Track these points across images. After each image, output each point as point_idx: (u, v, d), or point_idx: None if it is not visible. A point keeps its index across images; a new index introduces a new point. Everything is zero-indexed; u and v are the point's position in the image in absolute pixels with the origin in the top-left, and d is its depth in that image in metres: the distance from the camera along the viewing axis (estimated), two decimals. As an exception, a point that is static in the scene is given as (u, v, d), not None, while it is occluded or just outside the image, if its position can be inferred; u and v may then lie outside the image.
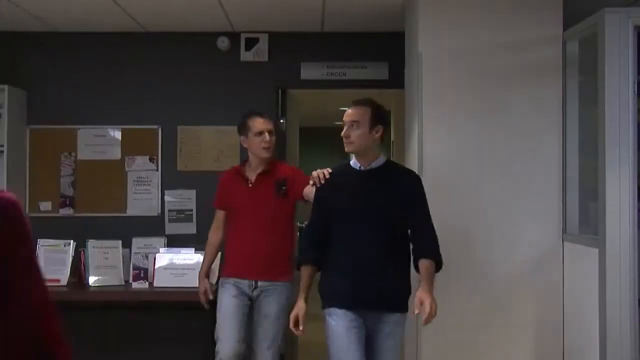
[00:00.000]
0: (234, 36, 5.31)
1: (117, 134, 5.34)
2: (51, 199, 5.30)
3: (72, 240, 4.79)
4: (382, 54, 5.34)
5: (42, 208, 5.27)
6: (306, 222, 3.54)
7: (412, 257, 3.28)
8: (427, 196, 3.33)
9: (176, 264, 4.69)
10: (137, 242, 5.00)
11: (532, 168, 3.95)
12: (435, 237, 3.25)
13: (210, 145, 5.33)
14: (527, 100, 3.96)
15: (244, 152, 4.16)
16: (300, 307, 3.29)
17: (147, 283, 4.74)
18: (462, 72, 3.97)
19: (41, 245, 4.72)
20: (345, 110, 3.32)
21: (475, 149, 3.96)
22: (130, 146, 5.33)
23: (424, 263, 3.18)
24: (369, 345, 3.23)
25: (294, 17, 4.97)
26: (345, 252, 3.22)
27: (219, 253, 4.22)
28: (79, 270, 4.80)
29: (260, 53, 5.34)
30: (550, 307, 3.91)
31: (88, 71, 5.36)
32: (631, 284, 3.39)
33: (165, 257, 4.73)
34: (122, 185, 5.31)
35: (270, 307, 3.88)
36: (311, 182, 3.47)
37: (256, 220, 3.89)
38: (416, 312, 3.07)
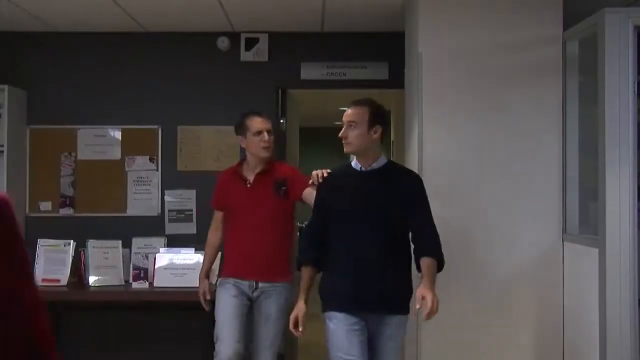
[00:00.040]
0: (234, 36, 5.31)
1: (117, 134, 5.33)
2: (51, 199, 5.29)
3: (72, 240, 4.79)
4: (382, 54, 5.33)
5: (42, 208, 5.27)
6: (306, 222, 3.54)
7: (413, 257, 3.27)
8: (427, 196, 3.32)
9: (176, 264, 4.69)
10: (137, 242, 5.00)
11: (532, 168, 3.95)
12: (437, 236, 3.23)
13: (210, 145, 5.32)
14: (527, 100, 3.96)
15: (244, 152, 4.15)
16: (300, 308, 3.29)
17: (147, 283, 4.73)
18: (462, 72, 3.97)
19: (41, 245, 4.73)
20: (345, 110, 3.32)
21: (475, 149, 3.96)
22: (130, 146, 5.32)
23: (425, 261, 3.16)
24: (371, 348, 3.22)
25: (294, 17, 4.96)
26: (346, 253, 3.21)
27: (219, 253, 4.22)
28: (79, 270, 4.80)
29: (260, 53, 5.34)
30: (550, 307, 3.90)
31: (88, 71, 5.36)
32: (631, 283, 3.39)
33: (165, 257, 4.72)
34: (122, 185, 5.31)
35: (270, 307, 3.87)
36: (311, 181, 3.47)
37: (255, 220, 3.88)
38: (417, 307, 3.04)
